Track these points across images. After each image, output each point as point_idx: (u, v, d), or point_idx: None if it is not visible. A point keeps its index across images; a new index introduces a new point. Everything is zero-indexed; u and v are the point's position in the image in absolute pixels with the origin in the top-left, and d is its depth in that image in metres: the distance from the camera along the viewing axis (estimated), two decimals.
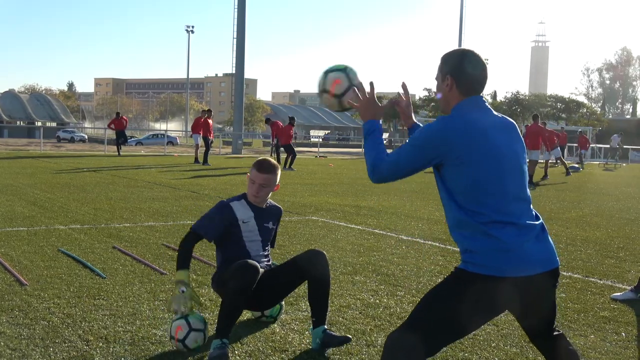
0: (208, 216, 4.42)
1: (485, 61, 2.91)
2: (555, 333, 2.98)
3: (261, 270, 4.26)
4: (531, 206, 2.89)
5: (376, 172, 2.90)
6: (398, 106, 3.28)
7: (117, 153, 30.34)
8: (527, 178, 2.93)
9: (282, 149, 24.74)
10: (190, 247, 4.29)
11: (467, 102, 2.88)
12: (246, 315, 4.83)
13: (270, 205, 4.64)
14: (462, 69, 2.89)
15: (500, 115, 2.95)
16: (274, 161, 4.51)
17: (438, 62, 2.95)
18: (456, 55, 2.93)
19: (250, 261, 4.09)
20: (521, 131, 32.65)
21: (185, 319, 4.07)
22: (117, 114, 30.97)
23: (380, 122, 3.06)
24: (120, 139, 30.40)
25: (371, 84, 3.13)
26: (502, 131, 2.87)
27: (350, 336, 4.31)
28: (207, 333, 4.18)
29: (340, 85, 3.22)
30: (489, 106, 2.93)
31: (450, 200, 2.83)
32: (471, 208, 2.77)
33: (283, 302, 4.81)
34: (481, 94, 2.93)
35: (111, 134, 36.52)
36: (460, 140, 2.76)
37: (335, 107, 3.28)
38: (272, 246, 4.80)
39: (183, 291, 4.11)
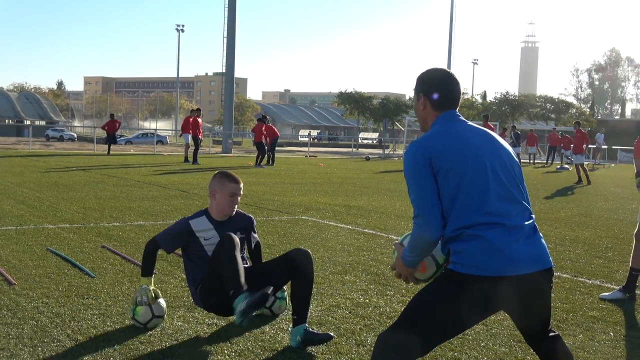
0: (169, 232, 4.57)
1: (456, 78, 3.00)
2: (551, 334, 2.99)
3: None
4: (525, 206, 2.89)
5: (420, 225, 2.81)
6: None
7: (106, 152, 30.31)
8: (519, 179, 2.93)
9: (276, 147, 24.82)
10: (152, 254, 4.56)
11: (442, 117, 2.97)
12: None
13: (236, 215, 4.63)
14: (432, 87, 2.99)
15: (476, 126, 3.02)
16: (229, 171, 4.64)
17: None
18: (427, 74, 3.05)
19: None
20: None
21: (150, 307, 4.43)
22: (112, 115, 30.99)
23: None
24: (109, 140, 30.70)
25: None
26: (480, 138, 2.93)
27: (332, 333, 4.32)
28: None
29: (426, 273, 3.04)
30: (464, 119, 3.01)
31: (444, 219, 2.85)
32: (459, 215, 2.78)
33: (287, 299, 4.79)
34: (456, 109, 3.01)
35: (102, 133, 36.47)
36: (438, 150, 2.82)
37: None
38: (253, 254, 4.83)
39: (144, 287, 4.52)
